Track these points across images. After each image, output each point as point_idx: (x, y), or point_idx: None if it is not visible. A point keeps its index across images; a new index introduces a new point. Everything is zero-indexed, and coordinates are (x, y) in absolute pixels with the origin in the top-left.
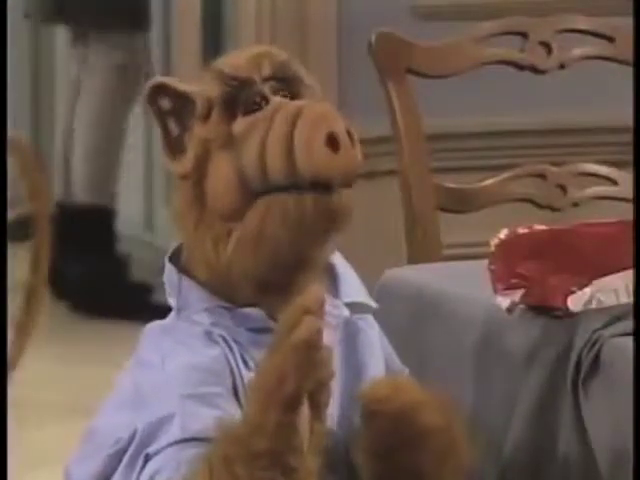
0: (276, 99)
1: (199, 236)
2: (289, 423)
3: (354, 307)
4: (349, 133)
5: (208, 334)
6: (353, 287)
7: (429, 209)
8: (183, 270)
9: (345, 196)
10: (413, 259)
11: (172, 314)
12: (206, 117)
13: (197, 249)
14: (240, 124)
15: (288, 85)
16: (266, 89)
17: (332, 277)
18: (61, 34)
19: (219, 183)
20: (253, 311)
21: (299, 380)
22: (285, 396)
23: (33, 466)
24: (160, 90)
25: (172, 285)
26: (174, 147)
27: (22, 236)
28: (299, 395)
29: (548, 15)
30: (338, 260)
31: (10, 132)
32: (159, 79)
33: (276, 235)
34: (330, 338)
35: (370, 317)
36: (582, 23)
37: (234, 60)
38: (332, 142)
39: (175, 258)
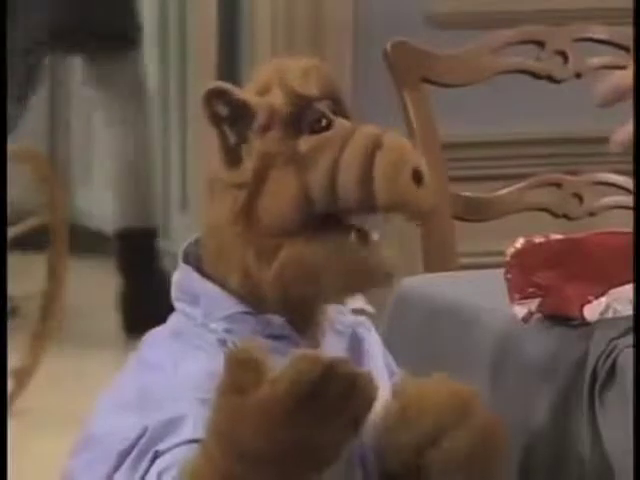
0: (340, 121)
1: (240, 245)
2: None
3: (354, 313)
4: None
5: (221, 342)
6: None
7: (445, 218)
8: (203, 275)
9: (390, 256)
10: (429, 268)
11: (179, 318)
12: (266, 129)
13: (235, 258)
14: (307, 142)
15: (337, 104)
16: (326, 109)
17: None
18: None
19: (279, 198)
20: (274, 318)
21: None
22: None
23: None
24: (218, 95)
25: (188, 289)
26: (231, 155)
27: (39, 246)
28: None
29: (564, 24)
30: None
31: (26, 143)
32: (218, 84)
33: (320, 277)
34: (340, 346)
35: (367, 321)
36: (598, 32)
37: (290, 73)
38: (416, 177)
39: (189, 262)
